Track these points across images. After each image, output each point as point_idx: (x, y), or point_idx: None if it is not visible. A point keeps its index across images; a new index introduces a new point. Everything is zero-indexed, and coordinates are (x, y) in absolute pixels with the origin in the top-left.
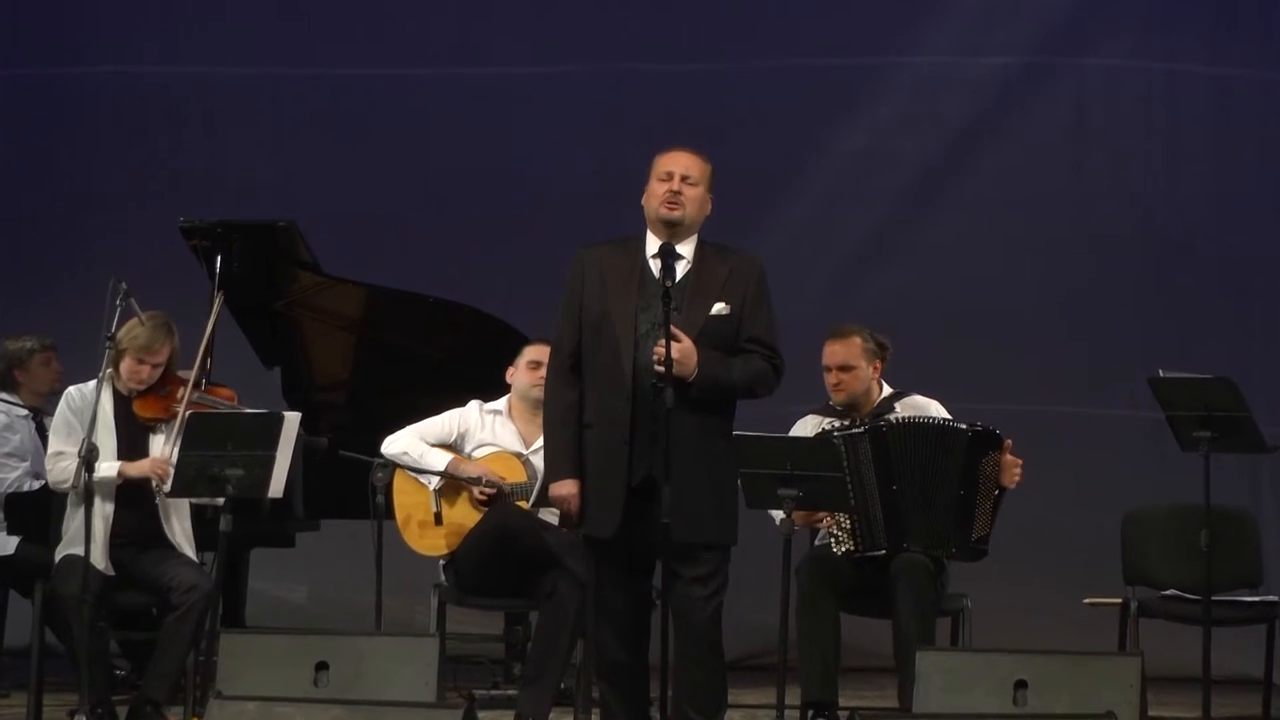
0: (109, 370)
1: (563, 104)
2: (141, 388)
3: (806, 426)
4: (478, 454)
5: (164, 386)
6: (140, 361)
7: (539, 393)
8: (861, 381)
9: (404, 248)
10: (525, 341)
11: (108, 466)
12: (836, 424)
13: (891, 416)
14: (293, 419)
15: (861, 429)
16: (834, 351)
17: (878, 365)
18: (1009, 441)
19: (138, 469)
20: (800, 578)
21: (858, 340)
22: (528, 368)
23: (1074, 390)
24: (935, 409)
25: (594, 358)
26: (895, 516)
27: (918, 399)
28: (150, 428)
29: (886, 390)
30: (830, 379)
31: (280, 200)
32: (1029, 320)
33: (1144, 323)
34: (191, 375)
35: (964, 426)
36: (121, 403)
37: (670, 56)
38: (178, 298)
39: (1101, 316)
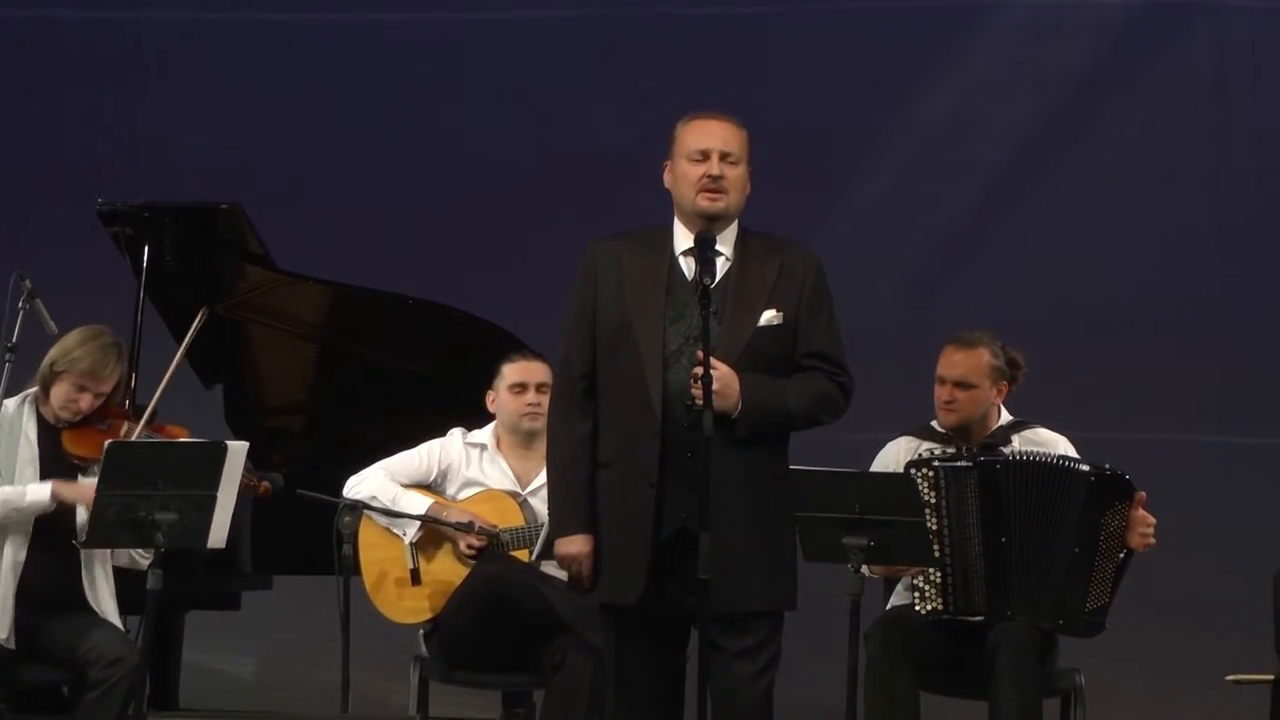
0: (34, 390)
1: (568, 56)
2: (76, 419)
3: (899, 450)
4: (463, 496)
5: (103, 419)
6: (81, 390)
7: (531, 423)
8: (980, 405)
9: (376, 236)
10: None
11: (35, 489)
12: (938, 450)
13: (1007, 450)
14: (238, 450)
15: (969, 462)
16: (954, 362)
17: (1003, 387)
18: (1142, 494)
19: (75, 493)
20: (871, 646)
21: (985, 354)
22: (511, 392)
23: (1210, 414)
24: (1063, 448)
25: (611, 380)
26: (1000, 576)
27: (1043, 433)
28: (80, 468)
29: (1005, 417)
30: (942, 394)
31: (223, 177)
32: (1153, 326)
33: None
34: (149, 407)
35: (1086, 468)
36: (48, 434)
37: None
38: (96, 298)
39: (1244, 322)
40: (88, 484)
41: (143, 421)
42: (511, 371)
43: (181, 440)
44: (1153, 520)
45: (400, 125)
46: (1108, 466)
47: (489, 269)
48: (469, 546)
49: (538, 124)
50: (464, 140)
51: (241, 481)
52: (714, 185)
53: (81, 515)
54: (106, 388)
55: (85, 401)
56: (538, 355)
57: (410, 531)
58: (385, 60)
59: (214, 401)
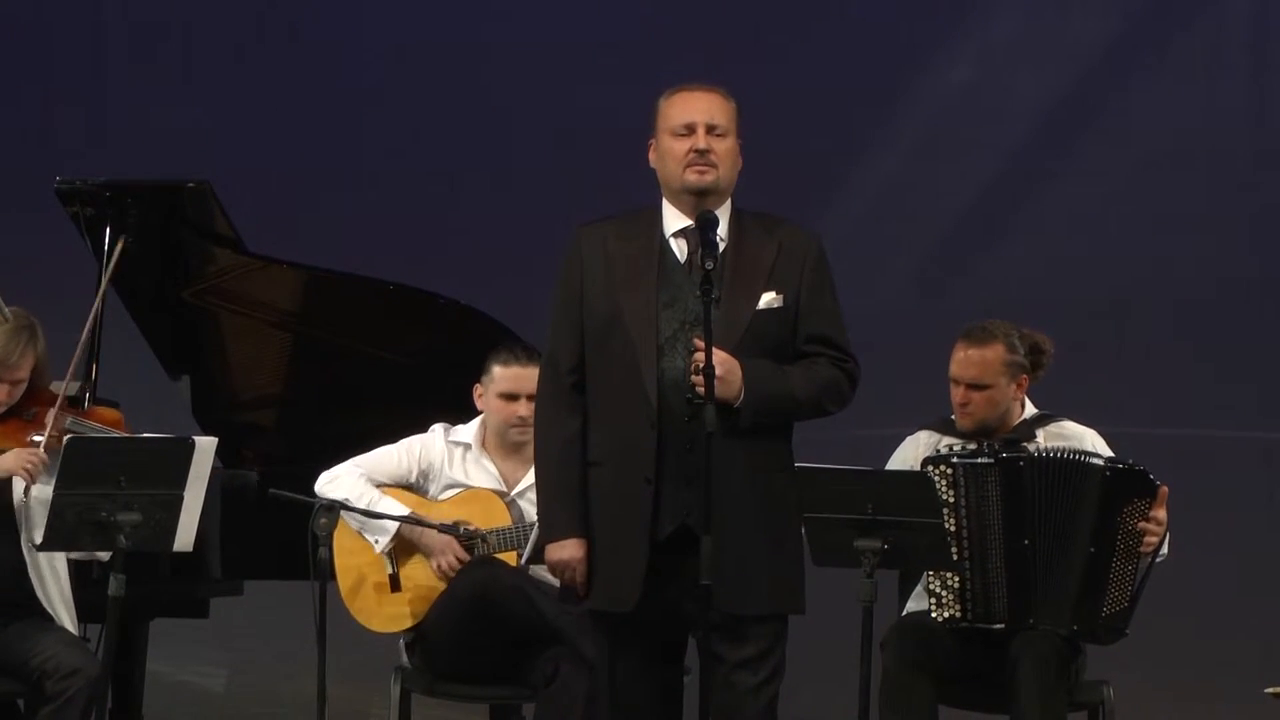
0: None
1: (551, 21)
2: None
3: (918, 445)
4: (445, 498)
5: (27, 409)
6: None
7: (519, 436)
8: (997, 405)
9: (353, 217)
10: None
11: None
12: (957, 446)
13: (1031, 447)
14: (207, 446)
15: (990, 459)
16: (966, 360)
17: (1023, 381)
18: (1165, 489)
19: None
20: (886, 656)
21: (1000, 349)
22: (500, 400)
23: (1247, 409)
24: (1090, 442)
25: (602, 373)
26: (1023, 582)
27: (1069, 427)
28: None
29: (1030, 411)
30: (956, 396)
31: (191, 153)
32: (1187, 316)
33: None
34: (62, 391)
35: (1099, 462)
36: None
37: None
38: (51, 283)
39: None
40: (9, 454)
41: (57, 405)
42: (503, 377)
43: (147, 435)
44: (1163, 519)
45: (374, 87)
46: (1127, 460)
47: (483, 254)
48: (443, 566)
49: (539, 100)
50: (460, 122)
51: None
52: (701, 160)
53: (18, 493)
54: (22, 374)
55: (3, 392)
56: (532, 356)
57: (383, 541)
58: (359, 18)
59: (180, 394)
